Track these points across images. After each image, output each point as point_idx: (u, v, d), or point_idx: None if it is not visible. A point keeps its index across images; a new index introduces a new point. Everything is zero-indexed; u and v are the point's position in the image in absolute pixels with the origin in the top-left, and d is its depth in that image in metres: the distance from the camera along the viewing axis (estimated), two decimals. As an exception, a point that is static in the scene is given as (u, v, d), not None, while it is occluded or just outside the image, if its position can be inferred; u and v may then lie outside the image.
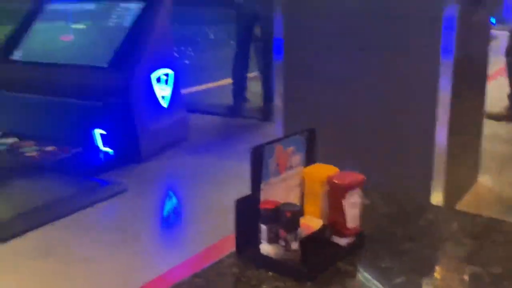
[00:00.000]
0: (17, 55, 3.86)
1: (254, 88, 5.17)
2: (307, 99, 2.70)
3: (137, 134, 3.41)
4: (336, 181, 1.12)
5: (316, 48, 2.67)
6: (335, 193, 1.12)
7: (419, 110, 2.49)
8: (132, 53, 3.41)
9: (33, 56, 3.80)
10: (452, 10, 2.33)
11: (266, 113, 4.63)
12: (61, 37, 3.85)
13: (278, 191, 1.13)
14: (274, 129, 2.92)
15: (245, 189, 1.24)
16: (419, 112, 2.50)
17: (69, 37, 3.81)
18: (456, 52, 2.36)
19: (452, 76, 2.37)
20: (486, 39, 2.98)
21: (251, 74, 5.51)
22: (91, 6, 3.97)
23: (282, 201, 1.11)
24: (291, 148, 1.17)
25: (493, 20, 3.70)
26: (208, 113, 4.85)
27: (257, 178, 1.09)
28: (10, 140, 3.77)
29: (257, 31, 4.86)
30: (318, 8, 2.64)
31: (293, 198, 1.16)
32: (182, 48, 10.09)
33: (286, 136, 1.18)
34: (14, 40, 3.97)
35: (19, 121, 3.86)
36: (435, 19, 2.35)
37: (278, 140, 1.15)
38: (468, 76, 2.64)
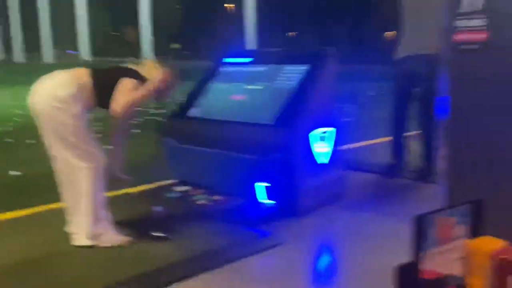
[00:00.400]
0: (194, 112, 4.30)
1: (414, 147, 5.04)
2: (474, 164, 2.58)
3: (296, 189, 3.54)
4: (504, 257, 1.08)
5: (487, 110, 2.56)
6: (503, 269, 1.07)
7: None
8: (296, 112, 3.60)
9: (207, 114, 4.20)
10: None
11: (425, 174, 4.47)
12: (232, 96, 4.21)
13: (439, 262, 1.12)
14: (435, 191, 2.82)
15: (401, 254, 1.25)
16: None
17: (240, 97, 4.15)
18: None
19: None
20: None
21: (412, 133, 5.40)
22: (260, 69, 4.31)
23: (443, 273, 1.10)
24: (454, 219, 1.15)
25: None
26: (366, 171, 4.84)
27: (418, 247, 1.10)
28: (184, 188, 4.17)
29: (417, 89, 4.79)
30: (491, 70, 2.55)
31: (455, 270, 1.13)
32: (342, 104, 10.27)
33: (450, 207, 1.17)
34: (192, 99, 4.44)
35: (193, 171, 4.26)
36: None
37: (442, 210, 1.14)
38: None
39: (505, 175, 2.49)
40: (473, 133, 2.61)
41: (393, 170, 4.82)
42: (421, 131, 5.03)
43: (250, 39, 28.13)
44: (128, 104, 3.02)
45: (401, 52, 4.78)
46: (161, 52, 48.72)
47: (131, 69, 3.20)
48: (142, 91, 3.10)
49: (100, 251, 3.01)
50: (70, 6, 44.00)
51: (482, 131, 2.57)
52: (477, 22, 2.65)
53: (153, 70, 3.23)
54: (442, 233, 1.15)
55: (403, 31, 4.85)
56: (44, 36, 35.58)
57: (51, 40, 36.87)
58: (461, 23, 2.70)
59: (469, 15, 2.67)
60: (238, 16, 41.12)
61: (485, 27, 2.61)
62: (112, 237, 3.08)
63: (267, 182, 3.70)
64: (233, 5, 50.73)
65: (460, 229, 1.18)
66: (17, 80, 15.30)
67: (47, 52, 35.79)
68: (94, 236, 3.03)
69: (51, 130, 2.99)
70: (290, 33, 51.64)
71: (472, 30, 2.67)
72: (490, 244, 1.14)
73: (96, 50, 43.45)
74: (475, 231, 1.18)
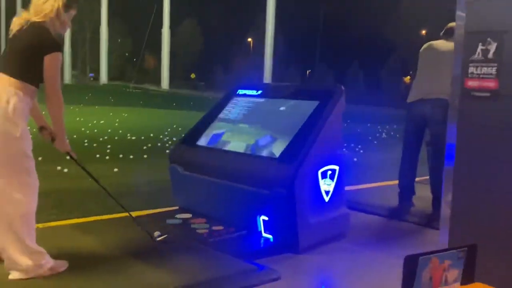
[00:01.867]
0: (202, 141, 4.32)
1: (422, 192, 5.00)
2: (476, 210, 2.55)
3: (297, 225, 3.50)
4: (495, 306, 1.05)
5: (491, 159, 2.54)
6: (494, 319, 1.05)
7: None
8: (302, 148, 3.59)
9: (214, 143, 4.21)
10: None
11: (433, 220, 4.42)
12: (241, 128, 4.23)
13: (429, 306, 1.09)
14: (439, 237, 2.78)
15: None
16: None
17: (248, 129, 4.17)
18: None
19: None
20: None
21: (421, 178, 5.36)
22: (269, 102, 4.35)
23: (433, 317, 1.07)
24: (447, 262, 1.13)
25: None
26: (371, 212, 4.79)
27: (408, 288, 1.07)
28: (186, 216, 4.15)
29: (428, 134, 4.79)
30: (497, 120, 2.55)
31: (446, 316, 1.11)
32: (352, 144, 10.26)
33: (443, 250, 1.15)
34: (201, 128, 4.47)
35: (196, 199, 4.25)
36: None
37: (434, 252, 1.12)
38: None
39: (503, 222, 2.45)
40: (476, 180, 2.59)
41: (398, 213, 4.77)
42: (430, 176, 5.00)
43: (267, 73, 28.42)
44: (59, 85, 2.84)
45: (414, 96, 4.81)
46: (177, 80, 49.42)
47: (38, 34, 2.84)
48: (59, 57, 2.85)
49: (73, 279, 2.85)
50: (92, 31, 44.97)
51: (486, 178, 2.55)
52: (488, 70, 2.66)
53: (45, 4, 2.88)
54: (434, 276, 1.12)
55: (417, 75, 4.90)
56: (65, 58, 36.29)
57: (70, 62, 37.60)
58: (472, 70, 2.72)
59: (481, 62, 2.69)
60: (256, 50, 41.73)
61: (495, 76, 2.62)
62: (53, 265, 2.89)
63: (269, 216, 3.67)
64: (251, 40, 51.54)
65: (453, 274, 1.15)
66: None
67: (66, 73, 36.45)
68: (34, 268, 2.81)
69: None
70: (308, 71, 52.20)
71: (483, 77, 2.68)
72: (482, 291, 1.11)
73: (114, 74, 44.17)
74: (468, 277, 1.16)
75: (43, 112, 3.07)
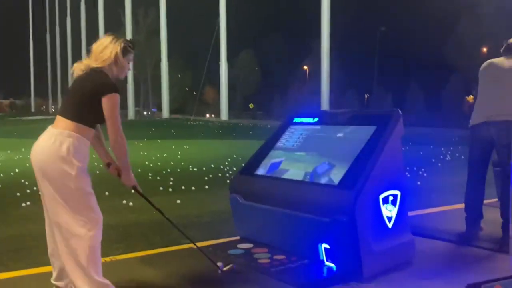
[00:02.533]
0: (261, 170, 4.37)
1: (491, 215, 4.78)
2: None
3: (360, 253, 3.44)
4: None
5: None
6: None
7: None
8: (361, 174, 3.55)
9: (274, 172, 4.24)
10: None
11: (504, 244, 4.21)
12: (299, 155, 4.24)
13: (496, 336, 1.05)
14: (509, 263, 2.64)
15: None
16: None
17: (307, 156, 4.18)
18: None
19: None
20: None
21: (488, 201, 5.14)
22: (325, 129, 4.34)
23: None
24: (513, 291, 1.09)
25: None
26: (437, 238, 4.62)
27: (471, 318, 1.04)
28: (248, 246, 4.17)
29: (494, 156, 4.61)
30: None
31: None
32: (415, 168, 9.98)
33: (508, 277, 1.11)
34: (260, 157, 4.52)
35: (257, 229, 4.28)
36: None
37: (498, 280, 1.09)
38: None
39: None
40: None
41: (466, 238, 4.59)
42: (499, 198, 4.78)
43: (324, 100, 28.36)
44: (119, 124, 2.98)
45: (477, 118, 4.65)
46: (236, 111, 50.23)
47: (97, 77, 3.01)
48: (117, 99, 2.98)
49: None
50: (153, 68, 46.66)
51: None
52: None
53: (104, 51, 3.04)
54: (499, 305, 1.08)
55: (478, 96, 4.74)
56: (128, 95, 37.81)
57: (133, 98, 39.13)
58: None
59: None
60: (313, 77, 41.82)
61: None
62: None
63: (331, 244, 3.63)
64: (306, 67, 51.76)
65: (521, 303, 1.10)
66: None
67: (130, 110, 37.95)
68: None
69: (52, 192, 2.89)
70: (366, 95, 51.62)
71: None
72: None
73: (175, 108, 45.48)
74: (538, 306, 1.10)
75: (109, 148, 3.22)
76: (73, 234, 2.87)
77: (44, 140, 2.95)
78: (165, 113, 38.22)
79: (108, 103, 2.94)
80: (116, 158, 3.12)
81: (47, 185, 2.89)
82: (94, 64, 3.05)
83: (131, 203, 6.28)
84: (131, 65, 3.24)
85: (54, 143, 2.88)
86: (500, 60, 4.62)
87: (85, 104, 2.96)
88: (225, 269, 3.54)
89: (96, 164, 3.05)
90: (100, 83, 2.98)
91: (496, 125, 4.44)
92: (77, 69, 3.08)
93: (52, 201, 2.89)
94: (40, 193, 3.04)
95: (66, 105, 3.05)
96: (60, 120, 2.97)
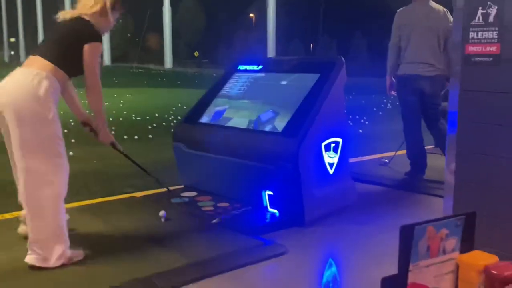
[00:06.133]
0: (204, 118, 4.31)
1: (429, 161, 4.97)
2: (479, 177, 2.52)
3: (302, 199, 3.50)
4: (494, 272, 1.04)
5: (494, 125, 2.51)
6: (493, 285, 1.04)
7: None
8: (304, 122, 3.57)
9: (217, 120, 4.20)
10: None
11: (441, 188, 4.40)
12: (242, 103, 4.21)
13: (427, 275, 1.09)
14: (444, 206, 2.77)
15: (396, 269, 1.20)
16: None
17: (250, 104, 4.15)
18: None
19: None
20: None
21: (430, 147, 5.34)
22: (269, 76, 4.31)
23: (431, 286, 1.06)
24: (444, 231, 1.12)
25: None
26: (378, 184, 4.78)
27: (405, 259, 1.07)
28: (191, 194, 4.16)
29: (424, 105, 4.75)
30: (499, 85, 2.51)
31: (444, 284, 1.10)
32: (357, 116, 10.21)
33: (440, 218, 1.14)
34: (204, 105, 4.45)
35: (201, 177, 4.26)
36: None
37: (431, 221, 1.11)
38: None
39: (507, 189, 2.43)
40: (479, 146, 2.56)
41: (407, 182, 4.76)
42: (436, 142, 4.97)
43: (270, 48, 28.21)
44: (98, 74, 2.93)
45: (407, 69, 4.73)
46: (181, 59, 49.22)
47: (81, 24, 2.92)
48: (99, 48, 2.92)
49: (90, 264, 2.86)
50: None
51: (489, 144, 2.52)
52: (489, 35, 2.61)
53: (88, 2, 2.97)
54: (432, 245, 1.11)
55: (401, 44, 4.78)
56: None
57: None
58: (473, 35, 2.67)
59: (482, 27, 2.63)
60: (259, 25, 41.33)
61: (497, 40, 2.57)
62: (71, 255, 2.84)
63: (274, 190, 3.67)
64: (253, 14, 51.04)
65: (452, 242, 1.14)
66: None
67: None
68: (66, 257, 2.81)
69: (21, 135, 2.70)
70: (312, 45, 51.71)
71: (484, 42, 2.63)
72: (481, 259, 1.10)
73: (117, 56, 43.98)
74: (467, 245, 1.15)
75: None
76: (44, 181, 2.73)
77: (17, 79, 2.77)
78: (106, 60, 36.96)
79: (90, 51, 2.86)
80: (95, 115, 3.03)
81: (15, 128, 2.69)
82: (79, 11, 2.95)
83: (71, 153, 6.09)
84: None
85: (31, 82, 2.71)
86: (417, 6, 4.70)
87: (67, 48, 2.86)
88: (214, 221, 3.49)
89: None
90: (84, 30, 2.90)
91: (429, 80, 4.61)
92: (61, 15, 2.98)
93: (21, 145, 2.70)
94: (3, 138, 2.87)
95: (45, 46, 2.91)
96: (36, 60, 2.81)
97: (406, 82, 4.70)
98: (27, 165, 2.72)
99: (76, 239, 3.04)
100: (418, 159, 4.85)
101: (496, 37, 2.57)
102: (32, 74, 2.74)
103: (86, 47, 2.85)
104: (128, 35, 55.94)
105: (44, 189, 2.74)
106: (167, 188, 3.58)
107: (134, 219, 3.61)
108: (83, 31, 2.90)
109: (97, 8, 2.97)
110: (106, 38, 36.71)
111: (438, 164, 4.74)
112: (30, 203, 2.75)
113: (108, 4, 3.00)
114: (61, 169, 2.81)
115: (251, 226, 3.50)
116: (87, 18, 2.95)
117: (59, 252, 2.78)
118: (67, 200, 2.90)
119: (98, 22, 2.98)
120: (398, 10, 4.82)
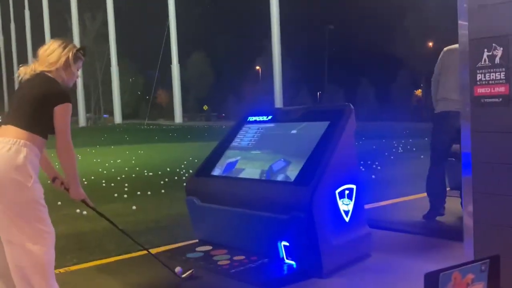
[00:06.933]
0: (217, 171, 4.32)
1: (448, 205, 4.89)
2: (498, 219, 2.48)
3: (319, 248, 3.44)
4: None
5: (507, 164, 2.49)
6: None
7: None
8: (317, 169, 3.56)
9: (229, 172, 4.20)
10: None
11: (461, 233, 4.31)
12: (254, 154, 4.21)
13: (456, 323, 1.05)
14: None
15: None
16: None
17: (261, 155, 4.16)
18: None
19: None
20: None
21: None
22: (279, 126, 4.34)
23: (461, 335, 1.02)
24: (470, 276, 1.09)
25: None
26: (394, 230, 4.70)
27: (431, 307, 1.03)
28: (206, 248, 4.11)
29: (455, 146, 4.64)
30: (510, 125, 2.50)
31: (474, 332, 1.06)
32: (369, 162, 10.16)
33: (464, 264, 1.11)
34: (215, 157, 4.47)
35: (215, 230, 4.22)
36: None
37: (456, 267, 1.08)
38: None
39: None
40: (495, 187, 2.52)
41: (425, 228, 4.66)
42: (450, 188, 4.91)
43: (277, 98, 28.57)
44: (69, 135, 2.82)
45: (447, 105, 4.62)
46: (190, 113, 49.84)
47: (47, 85, 2.82)
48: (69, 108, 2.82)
49: None
50: (103, 73, 45.74)
51: (505, 185, 2.48)
52: (496, 76, 2.63)
53: (51, 55, 2.87)
54: (458, 291, 1.08)
55: (439, 82, 4.74)
56: (79, 101, 36.93)
57: (84, 105, 38.23)
58: (481, 76, 2.68)
59: (489, 68, 2.65)
60: (266, 76, 42.02)
61: (505, 80, 2.58)
62: None
63: (290, 241, 3.62)
64: (259, 67, 51.98)
65: (478, 287, 1.10)
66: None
67: (81, 116, 37.06)
68: None
69: (1, 206, 2.61)
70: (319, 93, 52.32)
71: (492, 83, 2.64)
72: (510, 304, 1.06)
73: (128, 113, 44.71)
74: (494, 290, 1.11)
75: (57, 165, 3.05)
76: (26, 251, 2.65)
77: None
78: (118, 118, 37.52)
79: (60, 113, 2.77)
80: (65, 171, 2.92)
81: None
82: (41, 68, 2.88)
83: (84, 212, 6.09)
84: (80, 72, 3.09)
85: (9, 152, 2.65)
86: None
87: (38, 113, 2.77)
88: (184, 276, 3.46)
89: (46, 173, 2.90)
90: (52, 92, 2.80)
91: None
92: (23, 73, 2.90)
93: (2, 216, 2.65)
94: None
95: (15, 113, 2.82)
96: (10, 130, 2.75)
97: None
98: (8, 236, 2.66)
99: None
100: (437, 198, 4.77)
101: (504, 77, 2.58)
102: (9, 144, 2.68)
103: (56, 109, 2.75)
104: (138, 92, 57.11)
105: (23, 259, 2.65)
106: (148, 251, 3.53)
107: (149, 277, 3.55)
108: (51, 92, 2.79)
109: (59, 64, 2.87)
110: (116, 96, 37.43)
111: (454, 207, 4.68)
112: (15, 276, 2.68)
113: (70, 56, 2.91)
114: (42, 236, 2.69)
115: (268, 279, 3.43)
116: (51, 75, 2.86)
117: None
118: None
119: (62, 77, 2.90)
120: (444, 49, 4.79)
